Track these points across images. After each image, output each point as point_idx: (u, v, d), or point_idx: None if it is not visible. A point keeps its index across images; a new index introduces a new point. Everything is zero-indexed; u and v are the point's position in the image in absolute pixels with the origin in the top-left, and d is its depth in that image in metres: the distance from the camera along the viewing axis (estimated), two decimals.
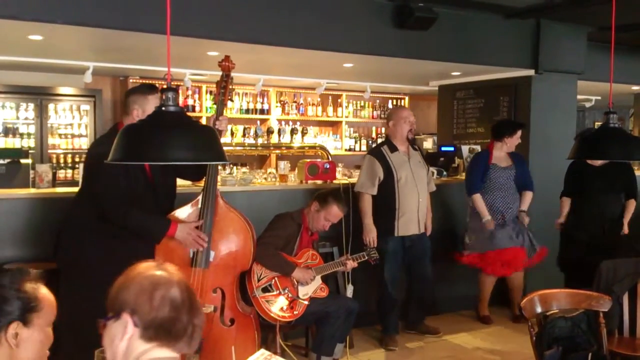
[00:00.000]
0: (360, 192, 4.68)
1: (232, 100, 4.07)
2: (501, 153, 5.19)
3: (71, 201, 3.49)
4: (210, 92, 7.22)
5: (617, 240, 4.87)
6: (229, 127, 7.43)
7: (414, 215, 4.66)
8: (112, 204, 3.20)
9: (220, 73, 3.55)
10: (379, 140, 8.47)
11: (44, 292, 1.59)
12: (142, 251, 3.30)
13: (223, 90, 3.52)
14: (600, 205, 4.95)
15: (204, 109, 7.24)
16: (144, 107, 3.27)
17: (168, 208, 3.45)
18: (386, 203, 4.63)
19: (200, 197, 3.43)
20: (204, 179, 3.46)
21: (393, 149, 4.70)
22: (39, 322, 1.56)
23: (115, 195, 3.19)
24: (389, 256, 4.65)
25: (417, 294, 4.94)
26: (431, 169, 5.13)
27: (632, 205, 4.99)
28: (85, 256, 3.26)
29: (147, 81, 6.83)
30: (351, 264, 4.12)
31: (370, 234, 4.59)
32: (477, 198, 5.07)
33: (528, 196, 5.22)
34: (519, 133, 5.20)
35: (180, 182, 4.27)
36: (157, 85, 3.58)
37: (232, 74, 3.52)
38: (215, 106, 3.61)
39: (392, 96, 8.66)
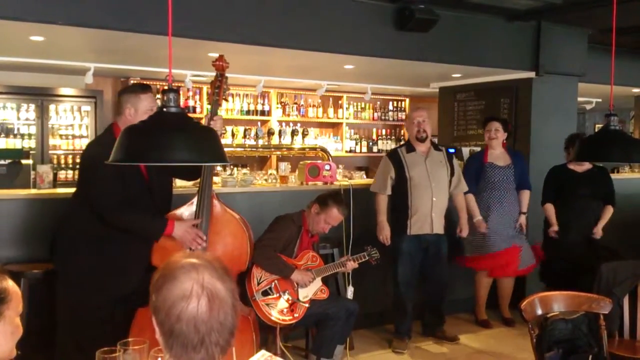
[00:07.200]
0: (374, 192, 4.73)
1: (226, 100, 4.07)
2: (496, 151, 5.16)
3: (68, 202, 3.49)
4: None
5: (597, 247, 4.87)
6: (230, 128, 7.44)
7: (427, 215, 4.63)
8: (109, 205, 3.19)
9: (214, 73, 3.56)
10: (379, 142, 8.54)
11: (10, 284, 1.58)
12: (138, 253, 3.31)
13: (217, 90, 3.52)
14: (582, 211, 4.94)
15: (204, 110, 7.24)
16: (137, 106, 3.27)
17: (164, 209, 3.45)
18: (399, 202, 4.66)
19: (195, 199, 3.42)
20: (199, 179, 3.46)
21: (410, 149, 4.73)
22: (8, 314, 1.55)
23: (113, 196, 3.18)
24: (403, 257, 4.65)
25: (431, 298, 4.91)
26: None
27: (609, 211, 4.97)
28: (81, 258, 3.25)
29: (148, 82, 6.87)
30: (351, 265, 4.12)
31: (383, 231, 4.61)
32: (469, 198, 5.04)
33: (526, 195, 5.20)
34: (490, 125, 5.15)
35: (176, 183, 4.26)
36: (149, 84, 3.58)
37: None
38: (209, 106, 3.61)
39: (393, 98, 8.66)
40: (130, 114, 3.27)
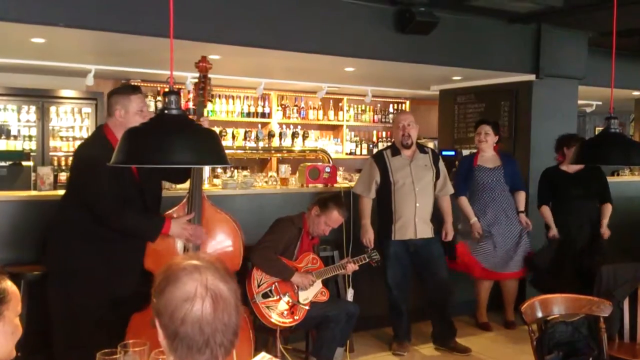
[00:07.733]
0: (358, 195, 4.70)
1: (211, 101, 4.08)
2: (487, 154, 5.15)
3: (57, 204, 3.47)
4: (212, 96, 7.22)
5: (596, 247, 4.87)
6: (230, 130, 7.44)
7: (410, 220, 4.57)
8: (106, 207, 3.19)
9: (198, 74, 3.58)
10: (380, 144, 8.53)
11: (9, 284, 1.58)
12: (130, 254, 3.32)
13: (202, 92, 3.55)
14: (577, 211, 4.95)
15: (205, 112, 7.24)
16: (127, 107, 3.29)
17: (155, 210, 3.46)
18: (384, 207, 4.63)
19: (185, 200, 3.44)
20: (188, 181, 3.47)
21: (395, 152, 4.67)
22: (7, 314, 1.55)
23: (111, 197, 3.18)
24: (391, 260, 4.61)
25: (434, 301, 4.79)
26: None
27: (608, 208, 4.99)
28: (73, 259, 3.24)
29: (149, 84, 6.88)
30: (352, 267, 4.11)
31: (367, 235, 4.55)
32: (461, 200, 5.05)
33: (521, 196, 5.17)
34: (480, 129, 5.15)
35: (176, 186, 4.26)
36: (139, 85, 3.58)
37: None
38: (194, 107, 3.64)
39: (393, 100, 8.67)
40: (120, 115, 3.29)
